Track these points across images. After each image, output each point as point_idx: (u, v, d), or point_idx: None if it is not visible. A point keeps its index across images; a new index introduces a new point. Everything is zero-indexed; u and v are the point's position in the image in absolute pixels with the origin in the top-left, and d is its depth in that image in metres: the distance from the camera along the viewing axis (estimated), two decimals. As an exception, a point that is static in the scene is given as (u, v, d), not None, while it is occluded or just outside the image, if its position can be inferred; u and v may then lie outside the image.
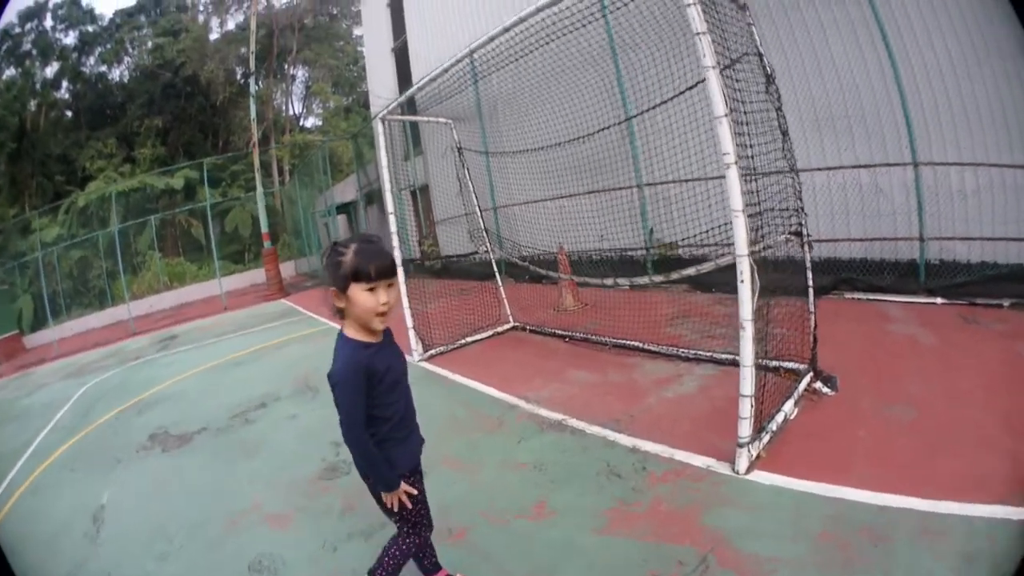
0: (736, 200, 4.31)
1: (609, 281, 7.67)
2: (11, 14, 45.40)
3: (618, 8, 6.66)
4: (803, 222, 5.84)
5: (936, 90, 8.65)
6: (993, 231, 8.38)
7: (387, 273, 2.96)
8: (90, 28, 50.51)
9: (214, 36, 51.12)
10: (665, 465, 4.89)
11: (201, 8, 53.72)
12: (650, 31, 8.33)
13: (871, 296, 8.91)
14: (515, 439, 5.90)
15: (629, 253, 12.32)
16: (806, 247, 5.96)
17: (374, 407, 3.08)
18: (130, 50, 51.51)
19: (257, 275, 31.92)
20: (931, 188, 8.84)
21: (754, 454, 4.63)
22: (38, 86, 46.42)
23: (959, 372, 5.76)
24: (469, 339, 10.15)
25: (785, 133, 5.84)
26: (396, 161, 10.09)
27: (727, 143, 4.30)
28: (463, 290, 13.25)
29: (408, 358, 8.15)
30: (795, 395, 5.53)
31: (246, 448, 7.09)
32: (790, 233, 5.65)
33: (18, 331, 28.48)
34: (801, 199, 5.93)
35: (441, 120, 10.58)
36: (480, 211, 10.87)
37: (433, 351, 9.58)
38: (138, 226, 34.59)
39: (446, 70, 8.01)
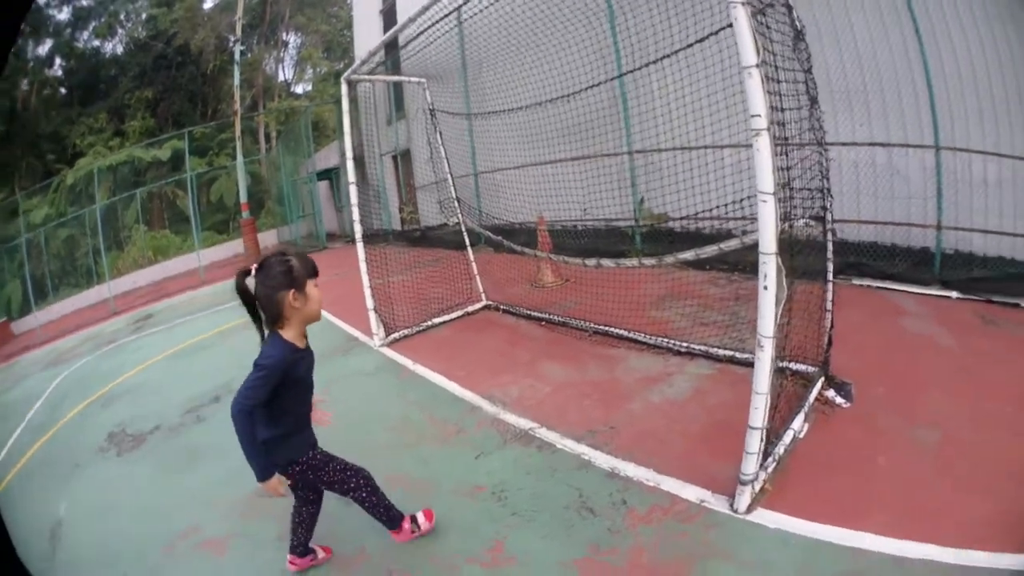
0: (766, 179, 3.27)
1: (592, 262, 6.64)
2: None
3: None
4: (828, 206, 4.96)
5: (964, 73, 8.00)
6: (1015, 226, 7.79)
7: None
8: (84, 3, 49.78)
9: (208, 4, 50.47)
10: (649, 498, 4.01)
11: (197, -24, 52.99)
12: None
13: (881, 284, 8.15)
14: (473, 453, 4.99)
15: (616, 224, 11.60)
16: (828, 234, 5.09)
17: (287, 403, 3.48)
18: (124, 23, 50.80)
19: (240, 245, 31.04)
20: (951, 174, 8.18)
21: (758, 488, 3.74)
22: (31, 64, 45.68)
23: (984, 386, 5.03)
24: (437, 320, 9.31)
25: (815, 100, 4.93)
26: (378, 125, 9.22)
27: (758, 102, 3.25)
28: (437, 259, 12.28)
29: (369, 343, 8.64)
30: (805, 407, 4.64)
31: (193, 454, 6.46)
32: (811, 217, 4.71)
33: (6, 319, 27.81)
34: (828, 179, 5.07)
35: (414, 80, 9.65)
36: (452, 179, 9.96)
37: (396, 335, 8.73)
38: (125, 200, 33.88)
39: (426, 8, 6.99)
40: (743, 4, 3.26)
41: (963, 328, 6.43)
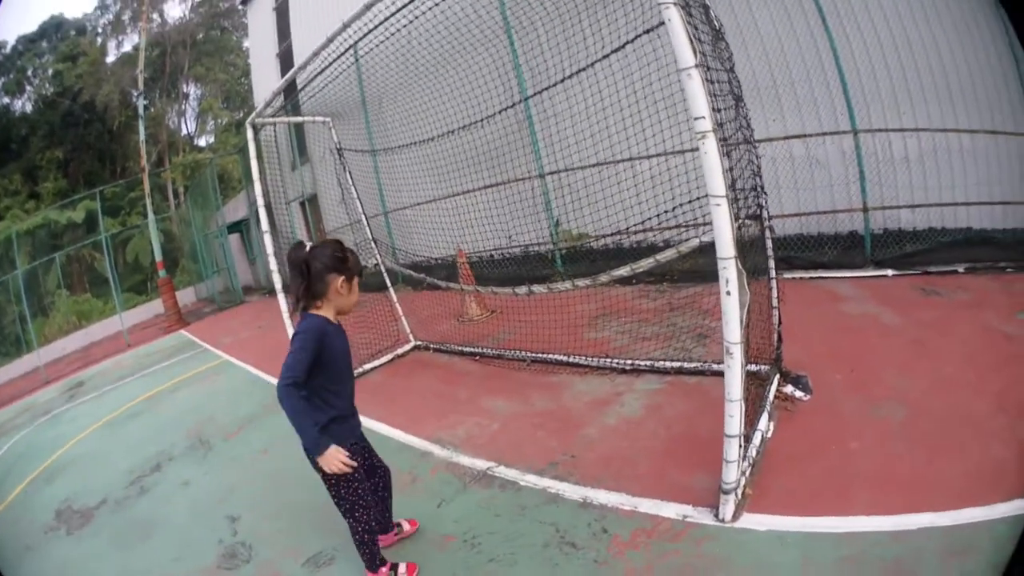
0: (717, 182, 3.12)
1: (522, 290, 6.39)
2: None
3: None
4: (763, 203, 4.90)
5: (873, 54, 8.32)
6: (940, 196, 8.14)
7: None
8: None
9: (111, 58, 49.91)
10: (629, 522, 3.79)
11: (100, 30, 52.31)
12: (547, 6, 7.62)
13: (813, 274, 8.25)
14: (434, 501, 4.68)
15: (534, 248, 11.58)
16: (767, 231, 5.05)
17: (331, 381, 3.55)
18: (32, 79, 49.93)
19: (160, 305, 30.57)
20: (871, 156, 8.47)
21: (740, 494, 3.61)
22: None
23: (938, 354, 5.21)
24: (367, 366, 8.92)
25: (739, 99, 4.84)
26: (283, 171, 8.92)
27: (701, 104, 3.11)
28: (358, 303, 11.99)
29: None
30: (767, 406, 4.53)
31: (142, 528, 6.03)
32: (747, 217, 4.51)
33: None
34: (761, 176, 5.02)
35: (318, 119, 9.36)
36: (367, 219, 9.69)
37: None
38: (45, 265, 32.95)
39: (316, 53, 6.94)
40: (675, 4, 3.11)
41: (905, 303, 6.55)
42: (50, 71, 49.26)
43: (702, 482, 3.89)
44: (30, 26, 55.37)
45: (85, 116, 46.76)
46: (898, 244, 8.16)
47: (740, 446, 3.48)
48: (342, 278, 3.50)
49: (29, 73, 49.74)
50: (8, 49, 50.26)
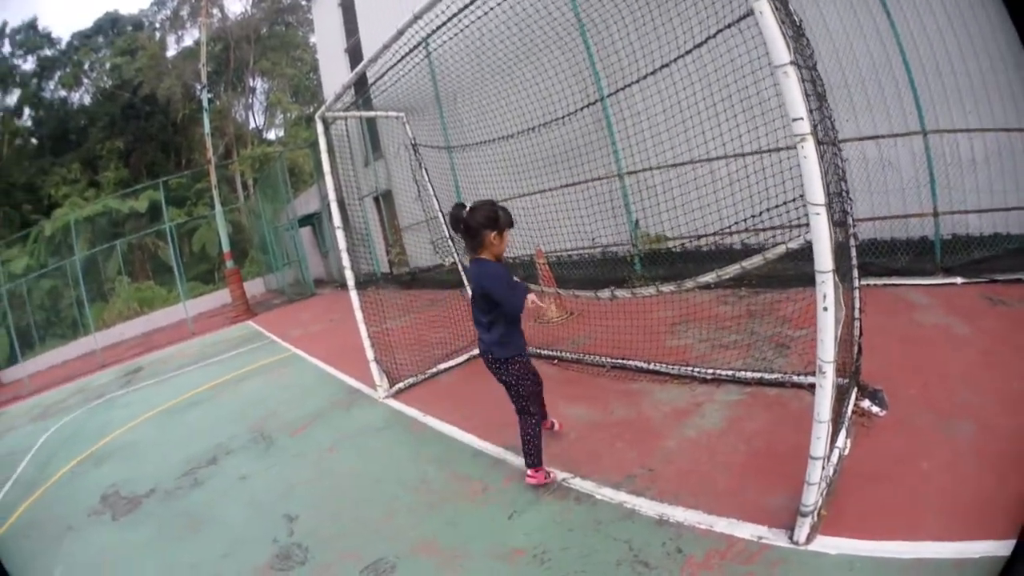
0: (816, 189, 2.97)
1: (604, 293, 6.23)
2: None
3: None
4: (848, 209, 4.73)
5: (938, 53, 8.10)
6: (1005, 200, 7.80)
7: None
8: (48, 52, 50.53)
9: (171, 53, 50.92)
10: (705, 542, 3.66)
11: (157, 25, 53.40)
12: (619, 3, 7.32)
13: (887, 281, 8.06)
14: (505, 512, 4.54)
15: (612, 250, 11.44)
16: (851, 239, 4.86)
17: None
18: (89, 73, 51.20)
19: (227, 295, 31.06)
20: (940, 158, 8.14)
21: (815, 516, 3.49)
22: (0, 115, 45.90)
23: (1007, 368, 5.03)
24: (442, 366, 8.76)
25: (823, 97, 4.62)
26: (355, 166, 8.89)
27: (798, 104, 2.92)
28: (433, 302, 12.03)
29: (373, 395, 8.43)
30: (845, 422, 4.40)
31: (192, 521, 5.97)
32: (835, 224, 4.34)
33: None
34: (846, 180, 4.85)
35: (392, 114, 9.29)
36: (443, 216, 9.44)
37: (400, 384, 8.26)
38: (105, 252, 34.07)
39: (387, 46, 6.77)
40: None
41: (973, 313, 6.42)
42: (108, 65, 50.87)
43: (779, 501, 3.79)
44: (84, 22, 56.42)
45: (147, 108, 48.19)
46: (966, 250, 8.00)
47: (823, 468, 3.40)
48: (493, 232, 4.43)
49: (86, 67, 51.20)
50: (63, 44, 51.34)
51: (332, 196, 8.20)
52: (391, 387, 8.19)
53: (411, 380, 8.37)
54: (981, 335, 5.79)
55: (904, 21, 8.14)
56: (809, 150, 2.94)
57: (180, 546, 5.53)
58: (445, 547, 4.27)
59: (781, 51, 2.93)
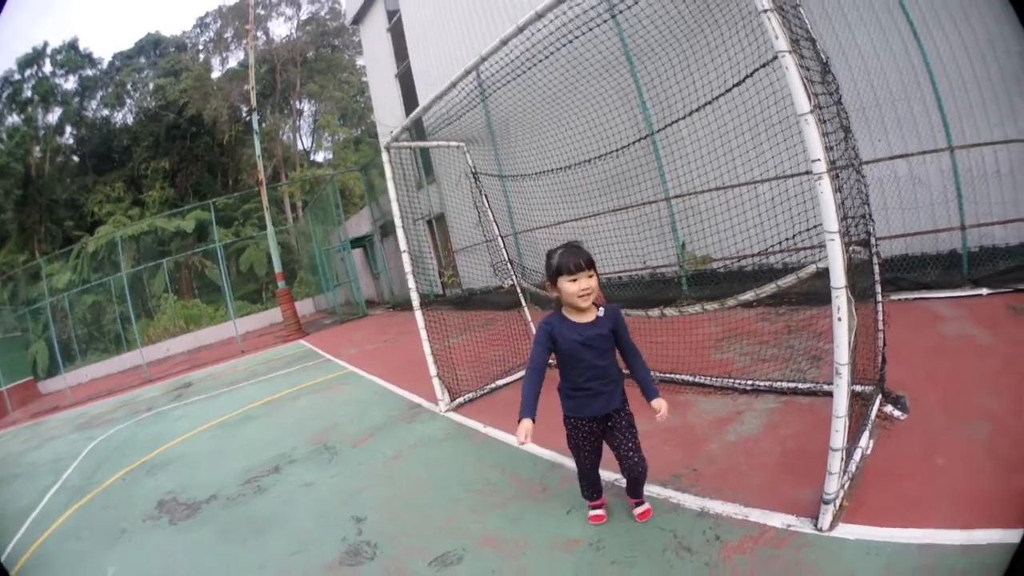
0: (831, 219, 3.53)
1: (655, 312, 6.79)
2: (8, 58, 46.31)
3: (628, 8, 6.04)
4: (871, 230, 5.27)
5: (962, 66, 8.43)
6: None
7: (582, 267, 4.08)
8: (90, 72, 51.51)
9: (216, 74, 51.72)
10: (740, 530, 4.18)
11: (201, 47, 54.25)
12: (666, 33, 7.73)
13: (918, 295, 8.46)
14: (563, 508, 5.10)
15: (660, 271, 11.81)
16: (875, 257, 5.37)
17: (565, 368, 4.51)
18: (132, 92, 52.06)
19: (275, 314, 31.89)
20: (967, 172, 8.57)
21: (838, 505, 3.99)
22: (41, 132, 46.81)
23: None
24: (500, 382, 9.23)
25: (847, 130, 5.16)
26: (409, 191, 9.40)
27: (816, 147, 3.52)
28: (488, 321, 12.52)
29: (434, 409, 8.78)
30: (869, 424, 4.91)
31: (256, 524, 6.33)
32: (856, 243, 4.91)
33: (31, 377, 28.87)
34: (869, 204, 5.37)
35: (453, 144, 9.85)
36: (503, 240, 10.10)
37: (461, 399, 8.73)
38: (152, 269, 35.06)
39: (454, 84, 7.30)
40: (791, 52, 3.55)
41: (998, 322, 6.80)
42: (151, 85, 51.86)
43: (808, 495, 4.24)
44: (125, 43, 57.25)
45: (192, 129, 49.01)
46: (992, 262, 8.33)
47: (842, 460, 3.86)
48: (548, 283, 4.30)
49: (128, 87, 52.02)
50: (104, 65, 52.30)
51: (399, 222, 8.69)
52: (452, 401, 8.64)
53: (471, 395, 8.88)
54: (1004, 344, 6.20)
55: (931, 39, 8.52)
56: (825, 187, 3.52)
57: (244, 547, 5.87)
58: (508, 539, 4.76)
59: (803, 102, 3.53)
